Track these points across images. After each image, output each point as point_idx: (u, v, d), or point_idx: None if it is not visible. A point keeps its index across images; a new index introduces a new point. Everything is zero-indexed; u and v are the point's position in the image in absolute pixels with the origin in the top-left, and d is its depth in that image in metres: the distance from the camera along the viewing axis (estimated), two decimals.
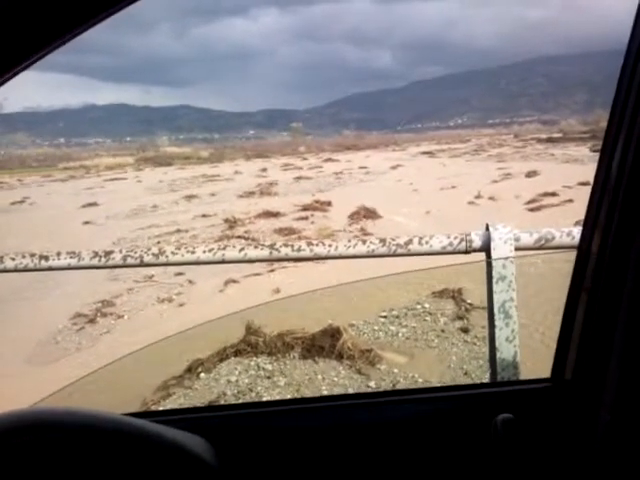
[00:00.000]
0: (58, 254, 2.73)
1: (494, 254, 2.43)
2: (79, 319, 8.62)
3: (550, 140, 52.50)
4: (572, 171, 22.49)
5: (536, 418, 1.23)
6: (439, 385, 4.14)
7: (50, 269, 2.75)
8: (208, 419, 1.30)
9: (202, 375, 5.09)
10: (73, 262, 2.69)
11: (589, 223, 1.15)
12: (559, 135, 59.90)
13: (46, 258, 2.73)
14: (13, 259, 2.74)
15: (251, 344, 5.39)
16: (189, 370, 5.17)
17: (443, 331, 5.57)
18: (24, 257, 2.75)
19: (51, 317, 8.64)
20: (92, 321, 8.54)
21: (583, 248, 1.18)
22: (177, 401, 4.58)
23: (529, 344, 3.99)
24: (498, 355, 2.35)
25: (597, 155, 1.12)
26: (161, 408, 4.38)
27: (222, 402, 4.48)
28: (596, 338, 1.11)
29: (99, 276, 9.82)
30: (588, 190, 1.16)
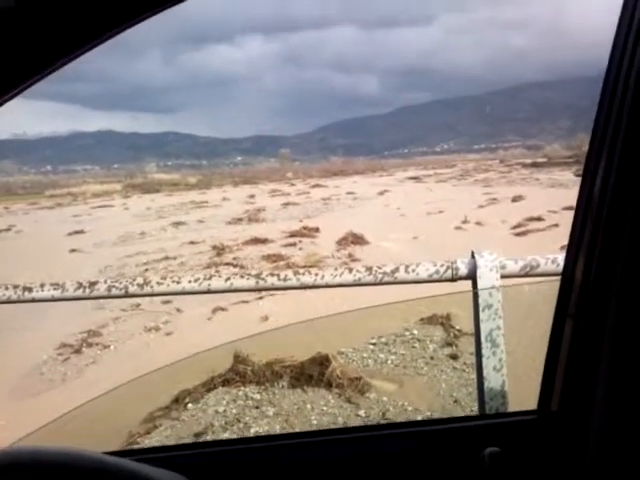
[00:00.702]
0: (42, 285, 2.70)
1: (480, 282, 2.44)
2: (64, 349, 8.51)
3: (535, 165, 53.08)
4: (557, 195, 22.72)
5: (523, 451, 1.22)
6: (426, 419, 4.11)
7: (33, 301, 2.72)
8: (192, 457, 1.27)
9: (189, 406, 5.02)
10: (57, 294, 2.67)
11: (572, 250, 1.15)
12: (544, 160, 60.54)
13: (29, 290, 2.70)
14: None
15: (239, 373, 5.34)
16: (176, 401, 5.10)
17: (432, 358, 5.55)
18: (7, 289, 2.72)
19: (36, 347, 8.52)
20: (78, 351, 8.43)
21: (567, 275, 1.18)
22: (163, 433, 4.51)
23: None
24: (486, 384, 2.34)
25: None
26: (147, 441, 4.31)
27: (210, 433, 4.42)
28: (582, 368, 1.11)
29: (85, 305, 9.71)
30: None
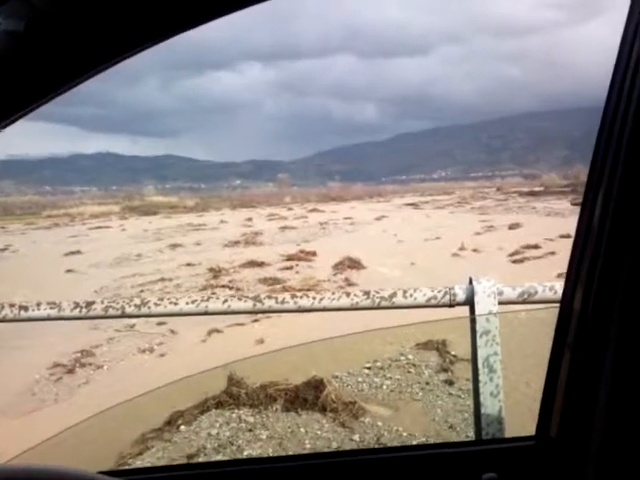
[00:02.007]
0: (38, 304, 2.69)
1: (478, 308, 2.45)
2: (57, 369, 8.44)
3: (532, 193, 53.45)
4: (554, 224, 22.85)
5: (521, 477, 1.21)
6: (423, 443, 4.08)
7: (29, 320, 2.71)
8: (186, 477, 1.27)
9: (182, 428, 4.98)
10: (53, 313, 2.66)
11: (571, 278, 1.16)
12: (540, 189, 60.99)
13: (25, 309, 2.69)
14: None
15: (233, 396, 5.31)
16: (169, 422, 5.06)
17: (428, 383, 5.52)
18: (3, 307, 2.70)
19: (28, 367, 8.45)
20: (70, 371, 8.36)
21: (565, 304, 1.18)
22: (155, 455, 4.46)
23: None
24: (483, 410, 2.33)
25: (578, 208, 1.13)
26: (138, 463, 4.26)
27: (202, 456, 4.38)
28: (580, 395, 1.11)
29: (79, 325, 9.65)
30: (570, 242, 1.17)
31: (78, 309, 2.67)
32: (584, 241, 1.11)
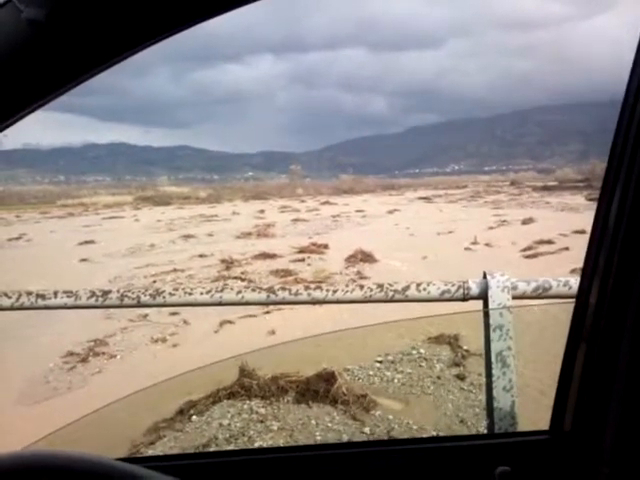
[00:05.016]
0: (55, 293, 2.72)
1: (491, 302, 2.44)
2: (71, 358, 8.52)
3: (546, 188, 53.06)
4: (568, 219, 22.68)
5: (535, 471, 1.21)
6: (436, 435, 4.09)
7: (47, 308, 2.74)
8: (201, 466, 1.28)
9: (194, 418, 5.01)
10: (70, 301, 2.68)
11: (587, 273, 1.15)
12: (555, 183, 60.50)
13: (43, 297, 2.72)
14: (9, 297, 2.73)
15: (245, 387, 5.33)
16: (181, 412, 5.10)
17: (439, 378, 5.52)
18: (20, 295, 2.73)
19: (42, 355, 8.54)
20: (84, 360, 8.44)
21: (581, 298, 1.18)
22: (167, 444, 4.49)
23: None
24: (495, 404, 2.33)
25: (592, 204, 1.13)
26: (150, 452, 4.30)
27: (213, 446, 4.40)
28: (595, 390, 1.11)
29: (93, 314, 9.74)
30: (584, 238, 1.17)
31: (94, 298, 2.69)
32: (601, 235, 1.10)
